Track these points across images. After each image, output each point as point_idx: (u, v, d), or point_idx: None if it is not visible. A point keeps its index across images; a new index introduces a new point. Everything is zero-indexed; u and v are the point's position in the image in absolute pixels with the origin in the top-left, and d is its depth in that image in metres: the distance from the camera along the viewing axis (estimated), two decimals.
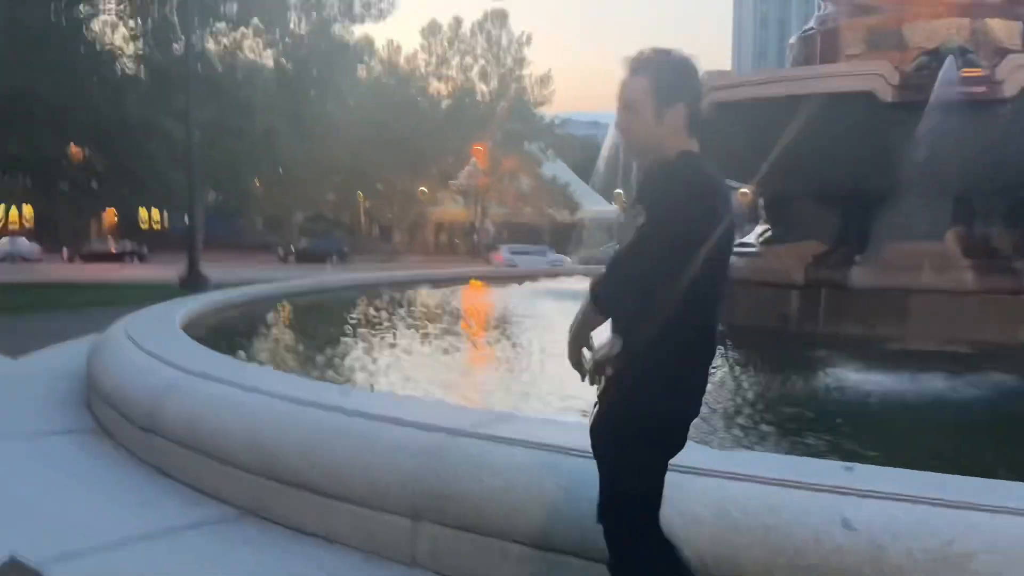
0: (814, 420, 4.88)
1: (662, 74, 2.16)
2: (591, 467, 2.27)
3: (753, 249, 8.61)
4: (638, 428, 2.18)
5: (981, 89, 6.47)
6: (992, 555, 2.22)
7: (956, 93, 6.20)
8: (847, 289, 7.29)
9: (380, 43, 53.88)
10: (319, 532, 3.25)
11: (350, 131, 45.69)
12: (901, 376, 5.70)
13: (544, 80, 57.74)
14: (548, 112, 57.44)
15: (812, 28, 8.87)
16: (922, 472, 2.75)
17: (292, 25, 30.79)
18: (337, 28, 31.93)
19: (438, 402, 4.55)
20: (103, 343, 5.93)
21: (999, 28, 7.88)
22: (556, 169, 55.59)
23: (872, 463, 2.93)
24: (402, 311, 10.11)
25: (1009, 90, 6.20)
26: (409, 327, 8.95)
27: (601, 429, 2.21)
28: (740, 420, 4.80)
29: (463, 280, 14.72)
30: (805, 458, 2.97)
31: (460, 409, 4.09)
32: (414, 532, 2.94)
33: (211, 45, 30.01)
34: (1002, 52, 7.26)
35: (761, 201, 10.20)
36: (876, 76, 6.38)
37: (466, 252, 56.08)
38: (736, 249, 9.06)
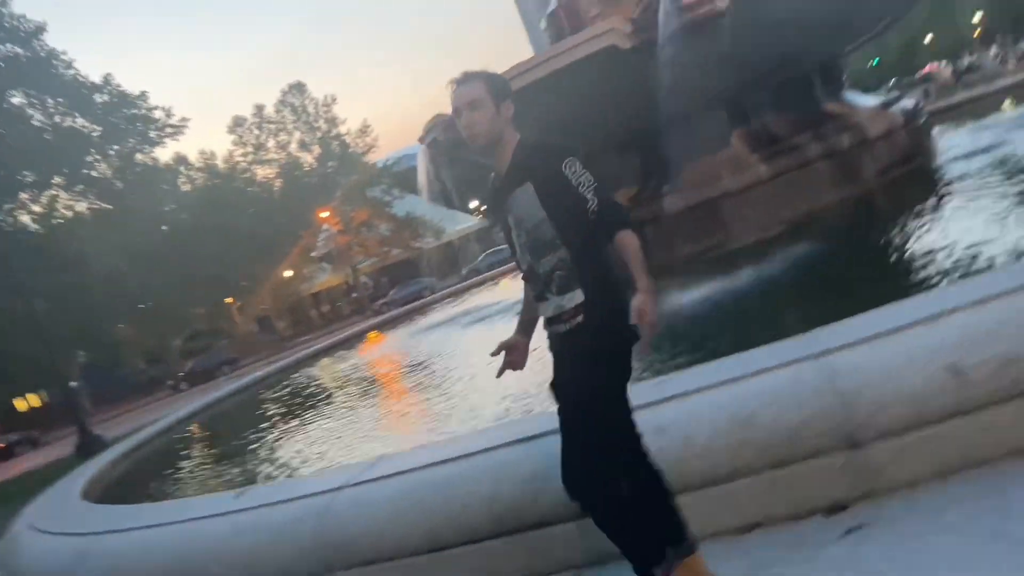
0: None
1: (492, 79, 2.64)
2: None
3: None
4: (621, 356, 2.54)
5: (702, 10, 7.15)
6: None
7: (680, 21, 6.85)
8: (666, 218, 7.92)
9: (192, 155, 53.82)
10: None
11: (193, 243, 44.61)
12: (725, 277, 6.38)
13: (363, 130, 58.12)
14: (380, 156, 57.79)
15: (554, 5, 9.54)
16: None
17: (95, 172, 30.06)
18: (140, 156, 31.43)
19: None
20: (10, 539, 5.87)
21: None
22: (410, 204, 55.10)
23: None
24: (287, 397, 10.26)
25: (721, 3, 6.91)
26: (294, 406, 9.14)
27: (584, 374, 2.50)
28: None
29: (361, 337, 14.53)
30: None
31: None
32: None
33: (25, 217, 29.01)
34: None
35: None
36: (611, 32, 6.99)
37: (351, 312, 55.61)
38: None
